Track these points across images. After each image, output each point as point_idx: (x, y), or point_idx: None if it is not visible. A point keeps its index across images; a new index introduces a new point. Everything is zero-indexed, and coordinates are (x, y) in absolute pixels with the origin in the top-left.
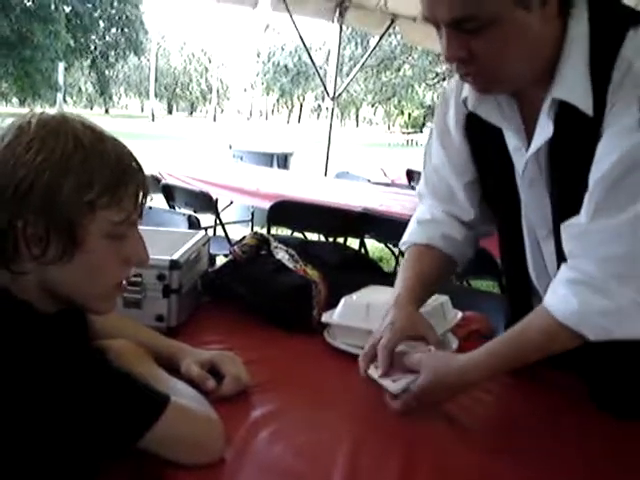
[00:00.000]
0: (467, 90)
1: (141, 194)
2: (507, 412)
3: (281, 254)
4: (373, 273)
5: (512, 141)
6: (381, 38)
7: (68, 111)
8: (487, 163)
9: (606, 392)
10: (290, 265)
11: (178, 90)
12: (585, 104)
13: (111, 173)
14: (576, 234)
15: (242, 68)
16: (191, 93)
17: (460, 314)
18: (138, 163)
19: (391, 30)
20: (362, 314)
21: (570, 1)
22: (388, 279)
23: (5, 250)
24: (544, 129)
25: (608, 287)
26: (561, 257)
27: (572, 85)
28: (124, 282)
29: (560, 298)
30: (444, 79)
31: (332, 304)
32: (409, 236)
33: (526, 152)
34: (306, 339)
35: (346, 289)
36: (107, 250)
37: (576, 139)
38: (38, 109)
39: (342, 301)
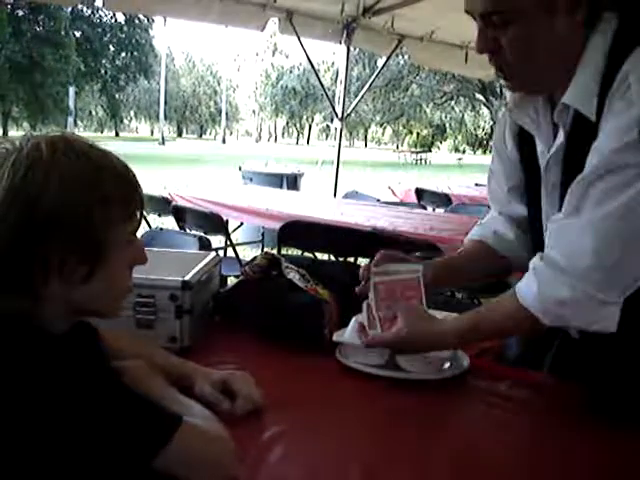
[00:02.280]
0: (509, 99)
1: (142, 203)
2: (522, 437)
3: (292, 274)
4: None
5: (539, 145)
6: (388, 59)
7: (69, 132)
8: (530, 169)
9: (606, 395)
10: (301, 285)
11: (187, 113)
12: (588, 109)
13: (123, 186)
14: (553, 228)
15: (251, 91)
16: (200, 116)
17: None
18: (135, 175)
19: (398, 50)
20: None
21: (598, 14)
22: None
23: (32, 278)
24: (557, 135)
25: (569, 279)
26: None
27: (581, 92)
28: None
29: (525, 282)
30: (452, 98)
31: (343, 323)
32: (468, 236)
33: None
34: (318, 358)
35: (357, 308)
36: (121, 259)
37: (582, 144)
38: (31, 133)
39: (353, 320)
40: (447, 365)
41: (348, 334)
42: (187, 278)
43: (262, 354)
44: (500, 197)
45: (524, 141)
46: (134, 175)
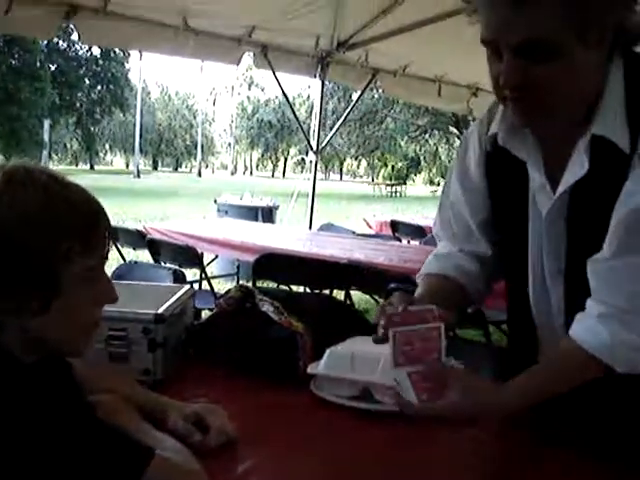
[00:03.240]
0: (497, 127)
1: (108, 237)
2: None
3: (266, 306)
4: (358, 324)
5: (537, 178)
6: (362, 92)
7: (30, 162)
8: (503, 200)
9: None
10: (275, 317)
11: (163, 146)
12: (623, 142)
13: (82, 219)
14: (601, 270)
15: (227, 124)
16: (176, 149)
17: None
18: (102, 207)
19: (372, 84)
20: (347, 365)
21: (615, 48)
22: (373, 330)
23: None
24: (578, 166)
25: (637, 322)
26: (571, 298)
27: (611, 124)
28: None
29: (591, 330)
30: (426, 131)
31: (318, 355)
32: (424, 268)
33: (551, 190)
34: (292, 391)
35: (331, 340)
36: (82, 294)
37: (609, 176)
38: None
39: (327, 352)
40: (423, 396)
41: (322, 366)
42: (160, 311)
43: (236, 387)
44: (463, 233)
45: (495, 171)
46: (98, 209)
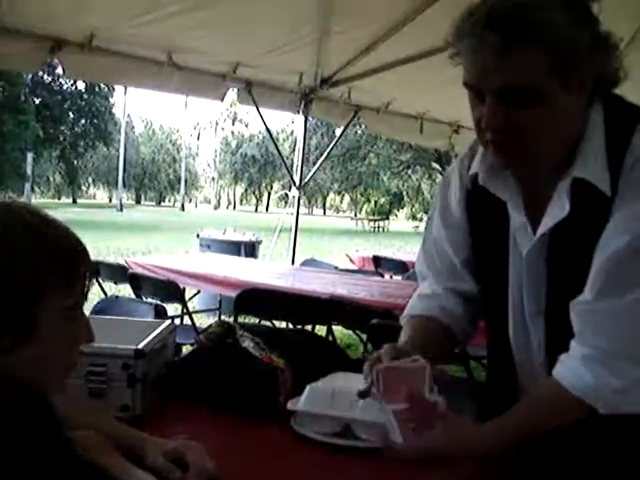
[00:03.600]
0: (477, 167)
1: (88, 276)
2: None
3: (247, 342)
4: (339, 360)
5: (517, 219)
6: (345, 129)
7: (6, 198)
8: (483, 239)
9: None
10: (256, 353)
11: (146, 180)
12: (604, 185)
13: (62, 258)
14: (584, 312)
15: (211, 158)
16: (159, 183)
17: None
18: (84, 245)
19: (355, 120)
20: (328, 401)
21: (595, 93)
22: (354, 366)
23: None
24: (558, 209)
25: (621, 366)
26: (552, 338)
27: (592, 167)
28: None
29: (574, 372)
30: (408, 167)
31: (298, 391)
32: (408, 310)
33: (532, 230)
34: (272, 427)
35: (312, 376)
36: (58, 334)
37: (590, 219)
38: None
39: (308, 388)
40: (407, 435)
41: (303, 402)
42: (140, 346)
43: (216, 423)
44: (447, 270)
45: (476, 210)
46: (78, 247)
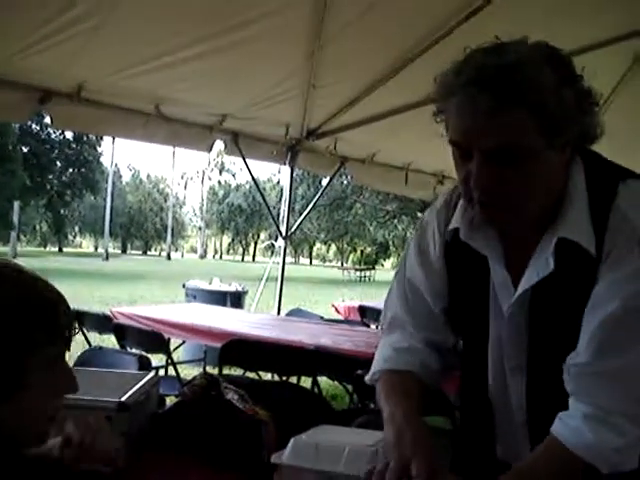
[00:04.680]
0: (458, 221)
1: (69, 327)
2: None
3: (231, 394)
4: (324, 412)
5: (499, 273)
6: (331, 180)
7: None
8: (463, 292)
9: None
10: (240, 405)
11: (133, 229)
12: (589, 244)
13: (48, 312)
14: (581, 372)
15: (197, 207)
16: (146, 232)
17: None
18: (63, 297)
19: (341, 171)
20: (312, 454)
21: (576, 149)
22: (339, 418)
23: None
24: (542, 266)
25: (621, 425)
26: (533, 394)
27: (577, 226)
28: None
29: (575, 431)
30: (394, 217)
31: (282, 444)
32: (384, 362)
33: (513, 286)
34: None
35: (296, 429)
36: (43, 385)
37: (574, 278)
38: None
39: (291, 441)
40: None
41: (286, 455)
42: (123, 399)
43: (200, 477)
44: (426, 318)
45: (455, 263)
46: (58, 298)
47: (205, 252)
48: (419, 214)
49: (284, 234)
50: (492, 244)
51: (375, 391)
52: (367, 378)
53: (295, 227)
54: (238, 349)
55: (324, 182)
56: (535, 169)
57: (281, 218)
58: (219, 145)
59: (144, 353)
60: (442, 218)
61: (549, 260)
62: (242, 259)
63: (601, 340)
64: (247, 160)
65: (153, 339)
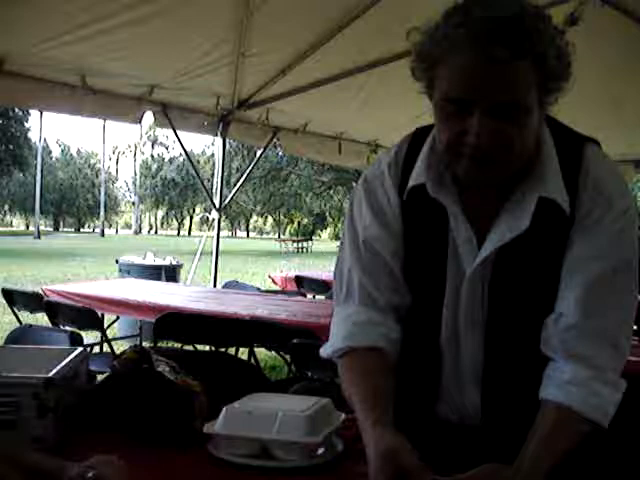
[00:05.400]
0: (423, 177)
1: None
2: None
3: (162, 366)
4: (257, 381)
5: (463, 232)
6: (264, 150)
7: None
8: (420, 250)
9: None
10: (171, 377)
11: (65, 206)
12: (565, 203)
13: None
14: (572, 334)
15: (130, 182)
16: (78, 209)
17: (343, 416)
18: None
19: (275, 142)
20: (244, 422)
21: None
22: (274, 387)
23: None
24: (513, 225)
25: (617, 380)
26: (491, 350)
27: (555, 186)
28: None
29: (581, 396)
30: (330, 187)
31: (214, 414)
32: (345, 339)
33: (477, 243)
34: (189, 452)
35: (229, 398)
36: None
37: (545, 237)
38: None
39: (223, 410)
40: (321, 450)
41: (219, 425)
42: (51, 375)
43: (133, 451)
44: (387, 281)
45: (413, 221)
46: None
47: (140, 227)
48: (354, 184)
49: (218, 206)
50: (455, 203)
51: (314, 359)
52: (324, 353)
53: (229, 199)
54: (173, 323)
55: (259, 154)
56: (529, 125)
57: (214, 190)
58: (149, 117)
59: (77, 330)
60: (395, 177)
61: (522, 218)
62: (178, 233)
63: (590, 301)
64: (178, 132)
65: (86, 316)
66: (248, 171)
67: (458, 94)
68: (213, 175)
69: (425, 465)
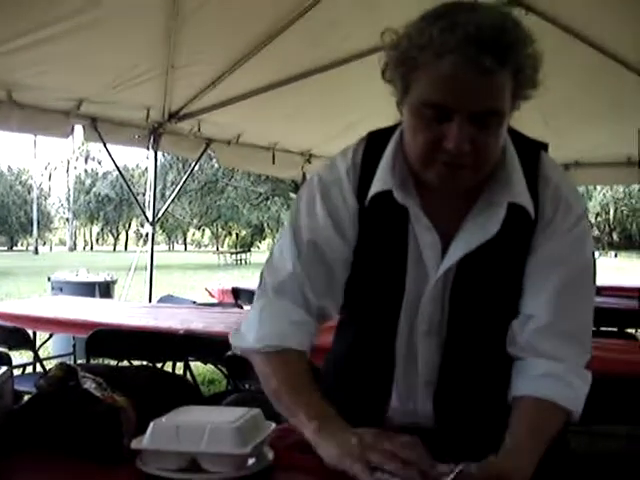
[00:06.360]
0: (388, 184)
1: None
2: None
3: (88, 383)
4: (188, 395)
5: (427, 238)
6: (196, 162)
7: None
8: (378, 256)
9: None
10: (97, 393)
11: None
12: (530, 207)
13: None
14: (545, 334)
15: (64, 198)
16: (10, 226)
17: (273, 425)
18: None
19: (211, 154)
20: (172, 436)
21: None
22: (208, 401)
23: None
24: (479, 231)
25: (586, 374)
26: (450, 354)
27: (522, 193)
28: None
29: (559, 388)
30: (267, 199)
31: (142, 429)
32: (278, 337)
33: (441, 248)
34: (118, 469)
35: (158, 413)
36: None
37: (510, 243)
38: None
39: (151, 425)
40: (252, 461)
41: (146, 440)
42: None
43: (62, 471)
44: (325, 286)
45: (370, 227)
46: None
47: (75, 244)
48: (291, 195)
49: (151, 220)
50: (420, 206)
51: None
52: (243, 342)
53: (162, 212)
54: (106, 339)
55: (193, 165)
56: (501, 132)
57: (147, 203)
58: (79, 132)
59: (7, 351)
60: (353, 182)
61: (491, 224)
62: (114, 249)
63: (559, 303)
64: (109, 146)
65: (16, 335)
66: (182, 183)
67: (440, 99)
68: (147, 189)
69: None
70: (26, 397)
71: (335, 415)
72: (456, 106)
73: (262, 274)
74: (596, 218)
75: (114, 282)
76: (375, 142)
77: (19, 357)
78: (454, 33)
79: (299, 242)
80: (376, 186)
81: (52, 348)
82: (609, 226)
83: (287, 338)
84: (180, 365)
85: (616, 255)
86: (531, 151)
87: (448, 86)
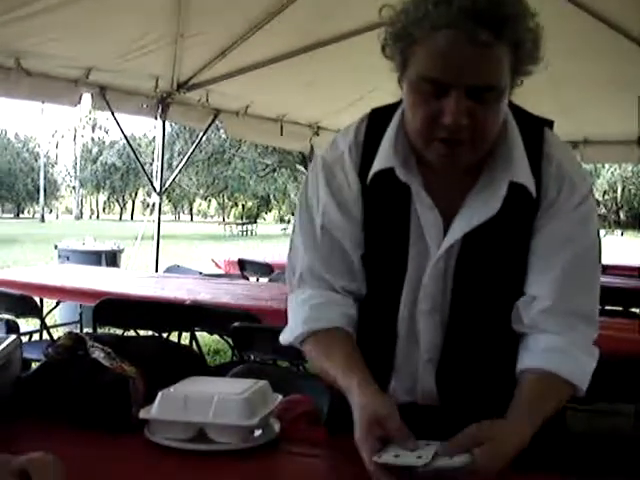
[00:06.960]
0: (391, 162)
1: None
2: None
3: (97, 352)
4: (195, 366)
5: (429, 216)
6: (204, 133)
7: None
8: (382, 234)
9: None
10: (106, 363)
11: (3, 191)
12: (532, 187)
13: None
14: (552, 313)
15: (71, 167)
16: (17, 194)
17: (280, 397)
18: None
19: (218, 124)
20: (180, 407)
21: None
22: (214, 372)
23: None
24: (481, 209)
25: (594, 350)
26: (453, 333)
27: (523, 171)
28: None
29: (568, 363)
30: (274, 170)
31: (150, 399)
32: (304, 324)
33: (443, 226)
34: (127, 438)
35: (166, 383)
36: None
37: (512, 222)
38: None
39: (159, 395)
40: (258, 433)
41: (154, 410)
42: None
43: (69, 439)
44: (343, 269)
45: (374, 205)
46: None
47: (81, 212)
48: (298, 167)
49: (158, 190)
50: (423, 184)
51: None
52: (284, 340)
53: (169, 183)
54: (112, 308)
55: (201, 136)
56: (500, 107)
57: (155, 173)
58: (87, 100)
59: (14, 318)
60: (355, 160)
61: (492, 201)
62: (120, 218)
63: (565, 283)
64: (117, 115)
65: (23, 303)
66: (189, 153)
67: (437, 74)
68: (154, 159)
69: (408, 430)
70: (34, 365)
71: (371, 381)
72: (453, 80)
73: (286, 268)
74: (603, 196)
75: (121, 251)
76: (377, 120)
77: (26, 325)
78: (450, 6)
79: (312, 229)
80: (378, 164)
81: (58, 316)
82: (616, 204)
83: (310, 323)
84: (186, 335)
85: (622, 234)
86: (534, 128)
87: (444, 60)
